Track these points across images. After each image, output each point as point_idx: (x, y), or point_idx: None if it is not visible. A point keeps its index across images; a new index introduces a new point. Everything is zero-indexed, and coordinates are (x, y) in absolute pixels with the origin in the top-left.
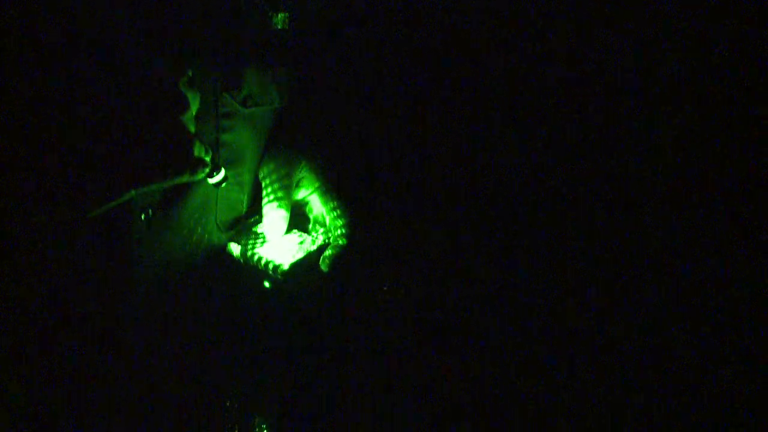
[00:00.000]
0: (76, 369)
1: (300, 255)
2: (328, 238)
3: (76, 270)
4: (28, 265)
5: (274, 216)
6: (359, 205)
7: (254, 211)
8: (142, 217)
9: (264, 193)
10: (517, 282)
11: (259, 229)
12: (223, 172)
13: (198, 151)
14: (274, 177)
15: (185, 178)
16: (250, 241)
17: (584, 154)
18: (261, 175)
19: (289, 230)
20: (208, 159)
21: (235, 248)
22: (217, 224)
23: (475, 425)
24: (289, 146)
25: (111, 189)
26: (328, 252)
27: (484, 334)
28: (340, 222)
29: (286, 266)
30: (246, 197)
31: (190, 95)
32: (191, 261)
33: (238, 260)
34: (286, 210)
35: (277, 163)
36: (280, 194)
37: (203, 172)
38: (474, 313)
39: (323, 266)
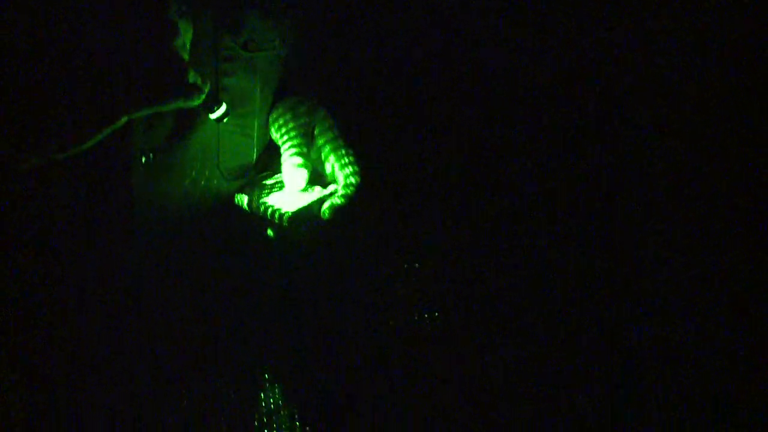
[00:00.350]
0: (74, 320)
1: (305, 203)
2: (336, 189)
3: (71, 215)
4: (18, 213)
5: (293, 168)
6: (371, 159)
7: (264, 163)
8: (143, 160)
9: (281, 143)
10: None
11: (269, 181)
12: (224, 107)
13: (193, 78)
14: (291, 127)
15: (179, 104)
16: (258, 191)
17: (587, 153)
18: (276, 126)
19: (308, 183)
20: (206, 89)
21: (243, 199)
22: (219, 170)
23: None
24: (305, 95)
25: (102, 116)
26: (331, 201)
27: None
28: (348, 171)
29: (290, 212)
30: (254, 145)
31: (181, 24)
32: (192, 207)
33: (246, 211)
34: (306, 162)
35: (294, 113)
36: (298, 146)
37: (198, 98)
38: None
39: (324, 214)
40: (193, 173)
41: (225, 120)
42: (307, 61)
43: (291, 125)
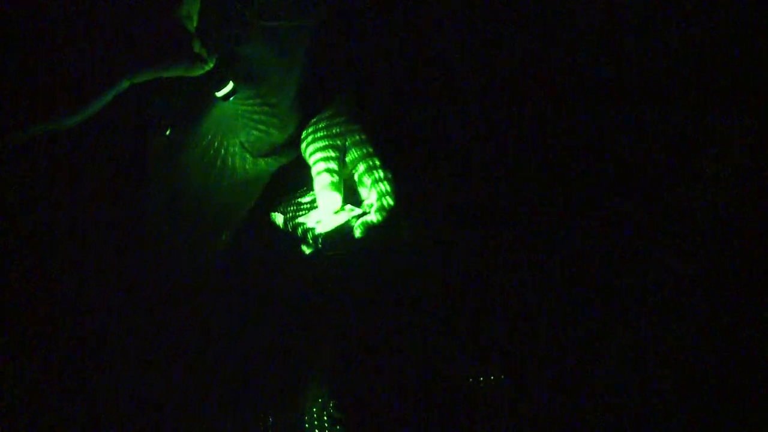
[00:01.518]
0: (80, 306)
1: (338, 223)
2: (369, 208)
3: (86, 191)
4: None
5: (325, 190)
6: (405, 180)
7: (292, 142)
8: (159, 134)
9: (311, 161)
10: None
11: (305, 199)
12: (231, 85)
13: (198, 48)
14: (320, 146)
15: (180, 71)
16: (293, 210)
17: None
18: (305, 144)
19: (342, 204)
20: (210, 62)
21: (278, 218)
22: (242, 144)
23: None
24: (341, 110)
25: (102, 78)
26: (365, 219)
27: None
28: (383, 188)
29: (323, 232)
30: (281, 120)
31: None
32: (213, 181)
33: (281, 229)
34: (338, 183)
35: (322, 131)
36: (328, 163)
37: (201, 69)
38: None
39: (356, 232)
40: (213, 147)
41: (231, 99)
42: (332, 37)
43: (320, 144)
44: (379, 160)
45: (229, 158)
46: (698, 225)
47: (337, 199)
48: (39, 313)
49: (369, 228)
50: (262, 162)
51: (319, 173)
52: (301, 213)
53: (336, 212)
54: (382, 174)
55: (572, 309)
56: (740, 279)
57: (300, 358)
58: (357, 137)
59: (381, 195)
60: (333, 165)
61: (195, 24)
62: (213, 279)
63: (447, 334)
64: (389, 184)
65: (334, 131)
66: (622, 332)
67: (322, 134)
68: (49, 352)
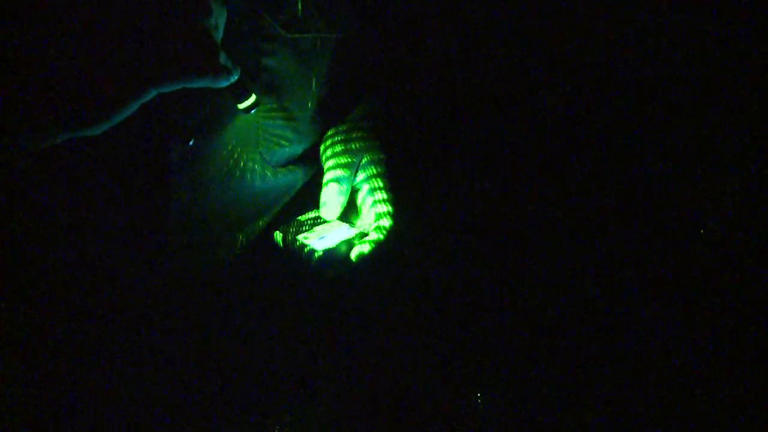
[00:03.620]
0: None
1: (336, 242)
2: (368, 227)
3: (105, 198)
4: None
5: (330, 194)
6: (409, 204)
7: (310, 155)
8: (187, 138)
9: (325, 167)
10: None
11: (304, 217)
12: (253, 98)
13: (224, 60)
14: (337, 151)
15: (206, 83)
16: (293, 228)
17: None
18: (324, 149)
19: (342, 215)
20: (235, 74)
21: (279, 236)
22: (261, 155)
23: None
24: (364, 123)
25: (129, 88)
26: (367, 240)
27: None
28: (381, 210)
29: (320, 252)
30: (300, 134)
31: (215, 5)
32: (231, 191)
33: (281, 248)
34: (344, 190)
35: (344, 139)
36: (340, 169)
37: (227, 80)
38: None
39: (356, 252)
40: (233, 157)
41: (253, 111)
42: (358, 50)
43: (338, 150)
44: (386, 181)
45: (248, 170)
46: (701, 228)
47: (338, 206)
48: (50, 315)
49: (372, 247)
50: (280, 174)
51: (327, 182)
52: (300, 230)
53: (337, 219)
54: (385, 195)
55: (575, 318)
56: (743, 281)
57: (301, 363)
58: (371, 157)
59: (381, 216)
60: (344, 172)
61: (221, 35)
62: (227, 285)
63: (449, 348)
64: (392, 205)
65: (352, 146)
66: (624, 346)
67: (340, 148)
68: (55, 353)
